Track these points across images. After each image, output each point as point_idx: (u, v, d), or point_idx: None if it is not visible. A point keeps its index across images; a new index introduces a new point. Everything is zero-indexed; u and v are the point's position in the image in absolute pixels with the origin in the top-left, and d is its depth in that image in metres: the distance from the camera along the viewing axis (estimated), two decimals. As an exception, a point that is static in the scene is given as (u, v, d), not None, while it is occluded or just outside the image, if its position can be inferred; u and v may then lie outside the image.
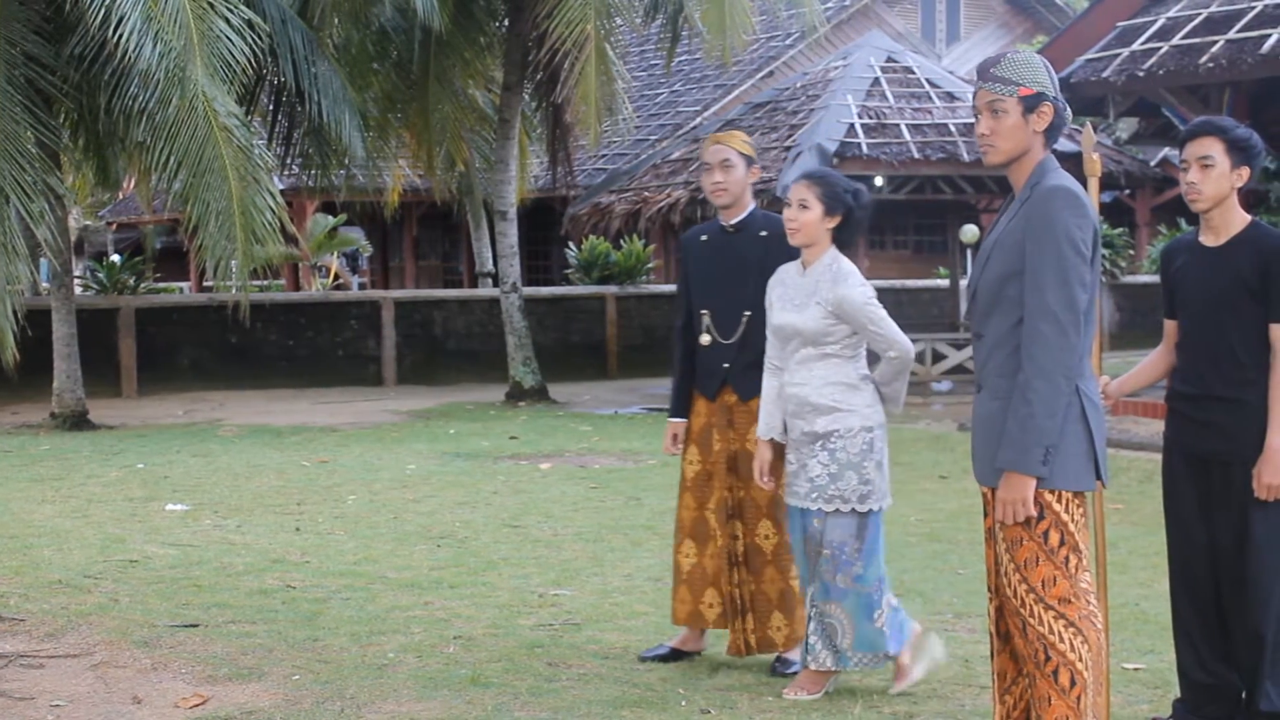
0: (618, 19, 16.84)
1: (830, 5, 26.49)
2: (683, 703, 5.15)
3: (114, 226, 32.77)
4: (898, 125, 16.51)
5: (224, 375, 19.09)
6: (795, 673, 5.45)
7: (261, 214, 12.16)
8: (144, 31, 11.47)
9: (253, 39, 12.00)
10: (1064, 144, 4.06)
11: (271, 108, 15.87)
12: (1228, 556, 4.65)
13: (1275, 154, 14.93)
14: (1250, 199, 15.80)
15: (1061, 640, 3.92)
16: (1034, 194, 3.96)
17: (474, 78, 18.66)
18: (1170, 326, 4.87)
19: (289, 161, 16.19)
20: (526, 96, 18.53)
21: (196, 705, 5.11)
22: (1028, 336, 3.89)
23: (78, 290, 20.13)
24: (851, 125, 16.36)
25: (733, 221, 5.72)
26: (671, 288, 20.66)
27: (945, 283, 23.32)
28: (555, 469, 11.47)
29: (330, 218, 25.60)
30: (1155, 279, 22.86)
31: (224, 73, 11.85)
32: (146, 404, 17.48)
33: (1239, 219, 4.68)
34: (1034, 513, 3.91)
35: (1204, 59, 12.97)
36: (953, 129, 16.52)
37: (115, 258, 24.90)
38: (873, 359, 5.38)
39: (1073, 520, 3.94)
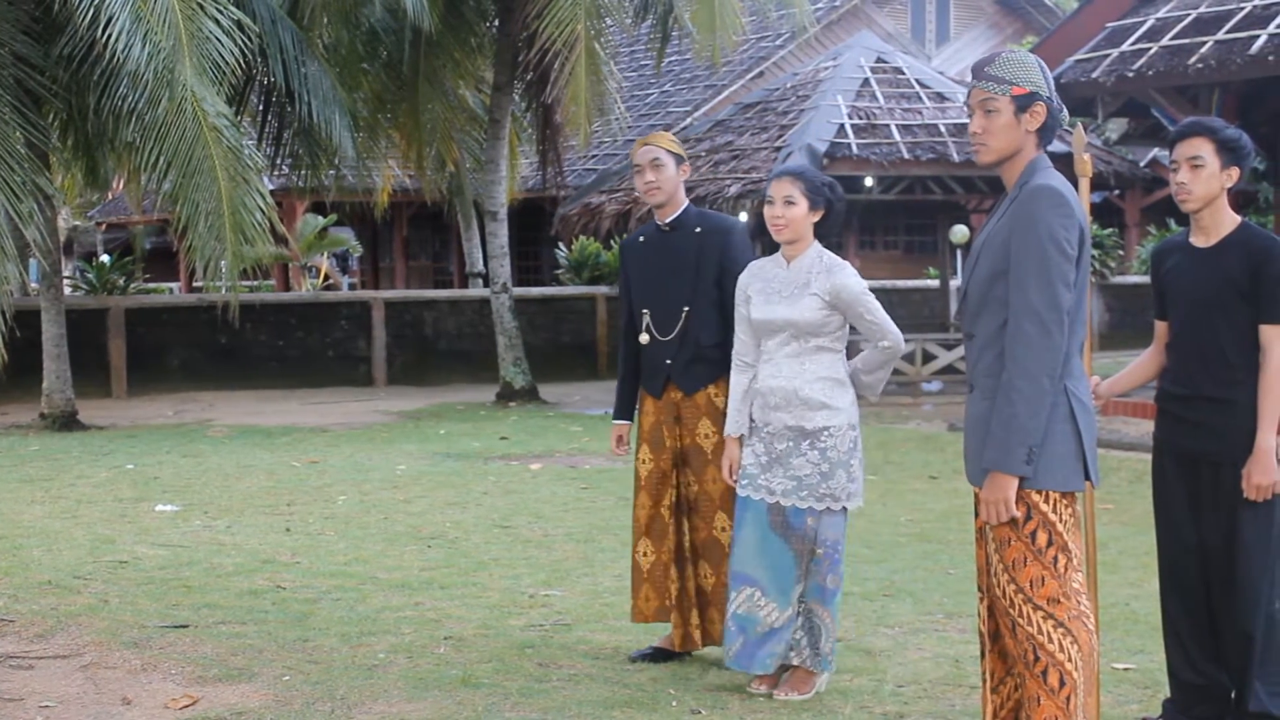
0: (608, 19, 16.83)
1: (820, 6, 26.52)
2: (673, 703, 5.15)
3: (103, 227, 32.74)
4: (888, 126, 16.52)
5: (214, 376, 19.06)
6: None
7: (251, 214, 12.15)
8: (133, 32, 11.46)
9: (242, 39, 11.99)
10: (1054, 144, 4.07)
11: (261, 108, 15.85)
12: (1217, 557, 4.66)
13: (1264, 155, 14.98)
14: (1239, 200, 15.83)
15: (1050, 640, 3.92)
16: (1021, 193, 3.97)
17: (464, 78, 18.66)
18: (1161, 327, 4.88)
19: (279, 162, 16.17)
20: (517, 97, 18.53)
21: (186, 706, 5.10)
22: (1011, 336, 3.89)
23: (67, 291, 20.08)
24: (841, 126, 16.37)
25: (668, 220, 5.78)
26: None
27: (935, 283, 23.37)
28: (546, 469, 11.47)
29: (320, 218, 25.58)
30: (1145, 279, 22.92)
31: (213, 73, 11.84)
32: (136, 404, 17.45)
33: (1229, 220, 4.69)
34: (1017, 513, 3.91)
35: (1193, 60, 13.00)
36: (943, 129, 16.53)
37: (105, 258, 24.86)
38: (851, 351, 5.41)
39: (1061, 521, 3.94)
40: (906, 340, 16.87)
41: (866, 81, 17.35)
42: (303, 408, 16.98)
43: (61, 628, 6.21)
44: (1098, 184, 16.82)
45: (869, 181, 17.38)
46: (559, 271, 25.54)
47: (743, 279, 5.44)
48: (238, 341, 19.20)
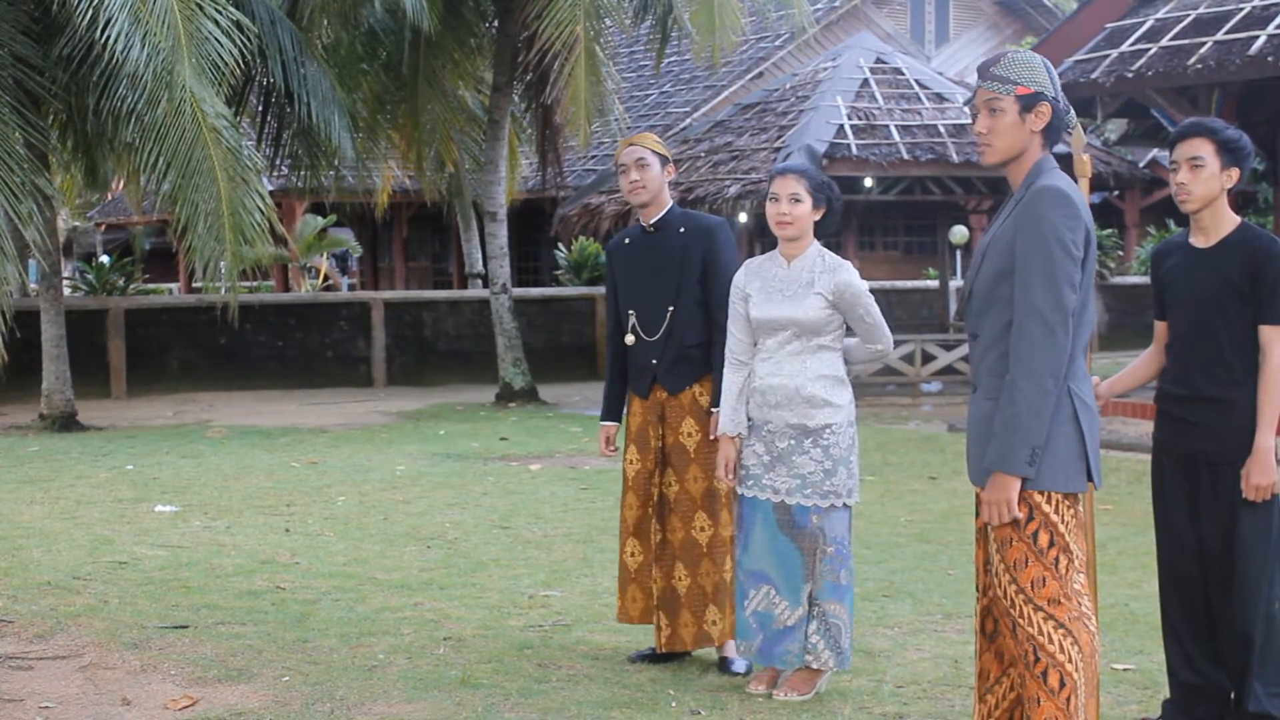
0: (607, 20, 16.83)
1: (819, 6, 26.51)
2: (673, 703, 5.15)
3: (102, 227, 32.74)
4: (887, 126, 16.52)
5: (213, 376, 19.06)
6: (741, 673, 5.51)
7: (250, 215, 12.15)
8: (132, 33, 11.46)
9: (241, 40, 11.99)
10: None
11: (260, 109, 15.85)
12: (1216, 557, 4.66)
13: (1264, 155, 14.98)
14: (1239, 200, 15.84)
15: (1051, 641, 3.92)
16: (1027, 194, 3.96)
17: (463, 79, 18.66)
18: (1160, 327, 4.88)
19: (278, 162, 16.17)
20: (516, 97, 18.53)
21: (186, 707, 5.10)
22: (1015, 336, 3.89)
23: (66, 291, 20.09)
24: (841, 126, 16.37)
25: (652, 220, 5.79)
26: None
27: (935, 284, 23.37)
28: (545, 470, 11.47)
29: (320, 219, 25.58)
30: (1144, 280, 22.94)
31: (212, 74, 11.85)
32: (136, 405, 17.45)
33: (1229, 220, 4.69)
34: (1018, 513, 3.91)
35: (1192, 60, 13.00)
36: (942, 130, 16.53)
37: (104, 259, 24.88)
38: None
39: (1063, 521, 3.94)
40: (906, 341, 17.05)
41: (866, 82, 17.35)
42: (302, 408, 16.97)
43: (61, 628, 6.21)
44: (1097, 184, 16.82)
45: (868, 182, 17.37)
46: (558, 272, 25.54)
47: (740, 277, 5.45)
48: (237, 342, 19.20)
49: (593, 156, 23.60)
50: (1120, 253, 27.62)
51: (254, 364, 19.51)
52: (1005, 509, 3.89)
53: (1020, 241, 3.91)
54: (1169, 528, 4.80)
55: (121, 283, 22.33)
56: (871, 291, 5.39)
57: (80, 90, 13.00)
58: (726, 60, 21.97)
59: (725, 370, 5.44)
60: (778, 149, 16.31)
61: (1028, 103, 3.96)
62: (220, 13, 11.82)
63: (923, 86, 17.44)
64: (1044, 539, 3.92)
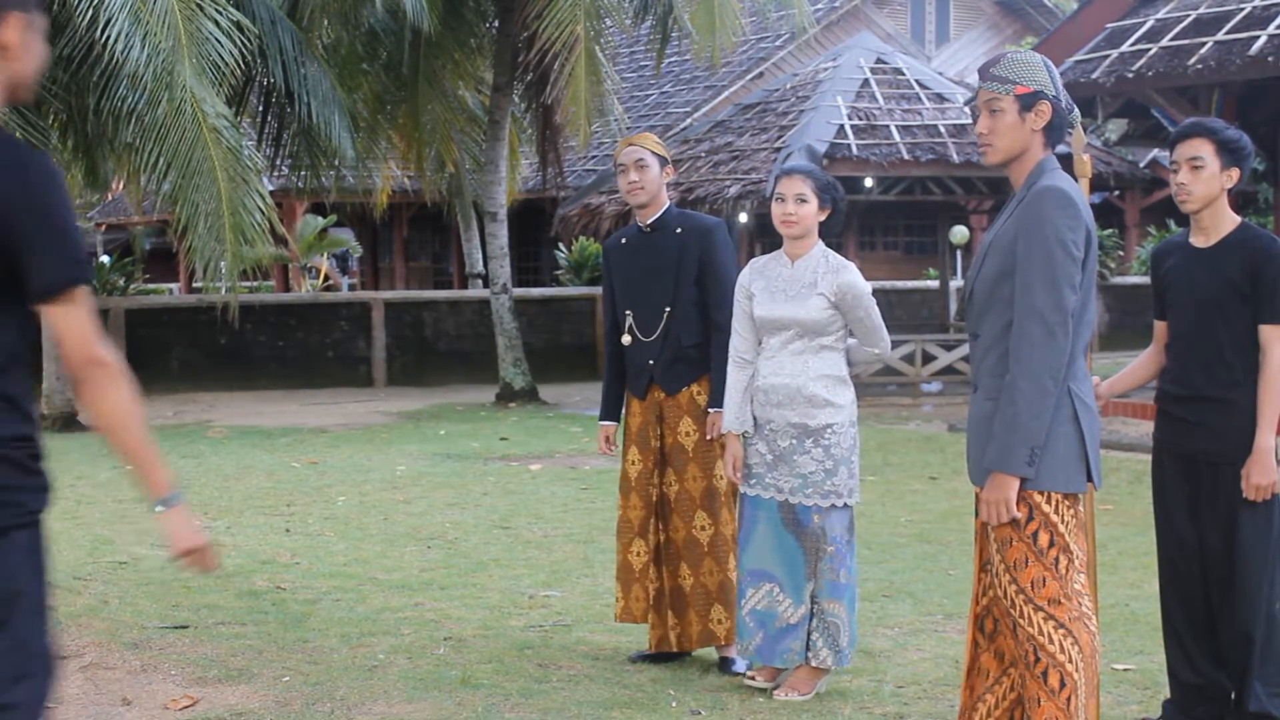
0: (607, 20, 16.83)
1: (820, 6, 26.51)
2: (673, 703, 5.15)
3: (103, 228, 32.74)
4: (887, 126, 16.52)
5: (214, 376, 19.06)
6: (743, 672, 5.51)
7: (251, 215, 12.16)
8: (132, 33, 11.47)
9: (241, 40, 12.00)
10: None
11: (261, 109, 15.85)
12: (1217, 557, 4.66)
13: (1264, 155, 14.98)
14: (1239, 200, 15.84)
15: (1051, 642, 3.92)
16: (1029, 194, 3.96)
17: (464, 79, 18.66)
18: (1160, 327, 4.88)
19: (278, 163, 16.17)
20: (516, 98, 18.52)
21: (186, 707, 5.10)
22: (1015, 337, 3.89)
23: (66, 291, 20.04)
24: (841, 126, 16.37)
25: (649, 221, 5.79)
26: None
27: (935, 284, 23.37)
28: (545, 470, 11.47)
29: (320, 219, 25.58)
30: (1145, 280, 22.93)
31: (213, 74, 11.85)
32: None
33: (1229, 220, 4.69)
34: (1018, 514, 3.91)
35: (1193, 60, 12.99)
36: (942, 130, 16.53)
37: (104, 259, 24.87)
38: None
39: (1063, 522, 3.94)
40: (906, 341, 17.05)
41: (866, 82, 17.35)
42: (302, 408, 16.98)
43: (61, 628, 6.21)
44: (1097, 185, 16.82)
45: (869, 182, 17.38)
46: (559, 272, 25.53)
47: (744, 276, 5.46)
48: (238, 342, 19.20)
49: (593, 156, 23.59)
50: (1121, 253, 27.63)
51: (254, 364, 19.51)
52: (1004, 509, 3.89)
53: (1021, 242, 3.91)
54: (1169, 528, 4.80)
55: (122, 283, 22.35)
56: (872, 292, 5.40)
57: (80, 90, 13.00)
58: (727, 60, 21.97)
59: (730, 369, 5.44)
60: (778, 149, 16.31)
61: (1027, 102, 3.96)
62: (220, 13, 11.83)
63: (923, 87, 17.44)
64: (1044, 539, 3.92)
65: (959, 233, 22.89)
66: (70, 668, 5.62)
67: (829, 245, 5.46)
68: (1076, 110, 4.14)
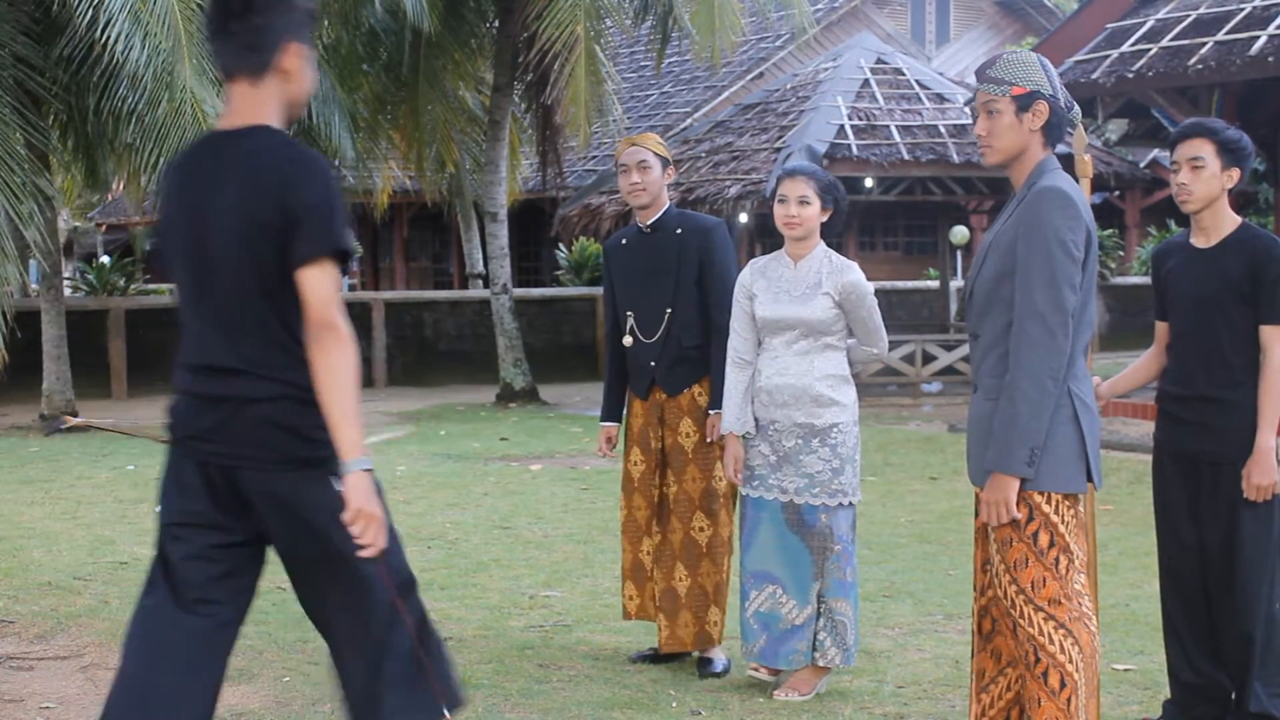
0: (607, 20, 16.84)
1: (820, 7, 26.51)
2: (673, 704, 5.15)
3: (103, 228, 32.74)
4: (887, 126, 16.52)
5: (214, 377, 19.03)
6: (720, 673, 5.52)
7: (251, 215, 12.13)
8: (132, 33, 11.47)
9: (242, 40, 11.98)
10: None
11: (261, 109, 15.83)
12: (1217, 557, 4.66)
13: (1264, 156, 14.98)
14: (1239, 200, 15.84)
15: (1051, 642, 3.92)
16: (1029, 194, 3.96)
17: (464, 79, 18.66)
18: (1161, 328, 4.88)
19: (279, 163, 16.15)
20: (516, 98, 18.52)
21: (186, 707, 5.09)
22: (1015, 337, 3.89)
23: (67, 292, 20.09)
24: (841, 126, 16.37)
25: (649, 222, 5.78)
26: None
27: (935, 284, 23.37)
28: (546, 470, 11.47)
29: (320, 219, 25.55)
30: (1145, 280, 22.93)
31: (213, 74, 11.84)
32: (136, 405, 17.45)
33: (1229, 220, 4.69)
34: (1017, 514, 3.91)
35: (1193, 61, 13.00)
36: (942, 130, 16.53)
37: (105, 259, 24.89)
38: None
39: (1063, 522, 3.94)
40: (907, 341, 17.05)
41: (866, 82, 17.35)
42: (302, 409, 16.95)
43: (62, 629, 6.21)
44: (1098, 185, 16.82)
45: (869, 182, 17.38)
46: (559, 272, 25.54)
47: (745, 276, 5.45)
48: (238, 342, 19.16)
49: (593, 157, 23.60)
50: (1121, 253, 27.64)
51: (255, 364, 19.47)
52: (1004, 509, 3.89)
53: (1021, 242, 3.91)
54: (1170, 528, 4.80)
55: (122, 283, 22.36)
56: (873, 292, 5.41)
57: (81, 91, 13.00)
58: (727, 61, 21.95)
59: (729, 369, 5.43)
60: (778, 149, 16.31)
61: (1023, 102, 3.97)
62: (221, 13, 11.81)
63: (923, 87, 17.44)
64: (1044, 539, 3.92)
65: (959, 233, 22.89)
66: (71, 668, 5.62)
67: (829, 245, 5.47)
68: (1077, 107, 4.14)
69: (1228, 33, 13.03)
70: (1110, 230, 26.78)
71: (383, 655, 3.52)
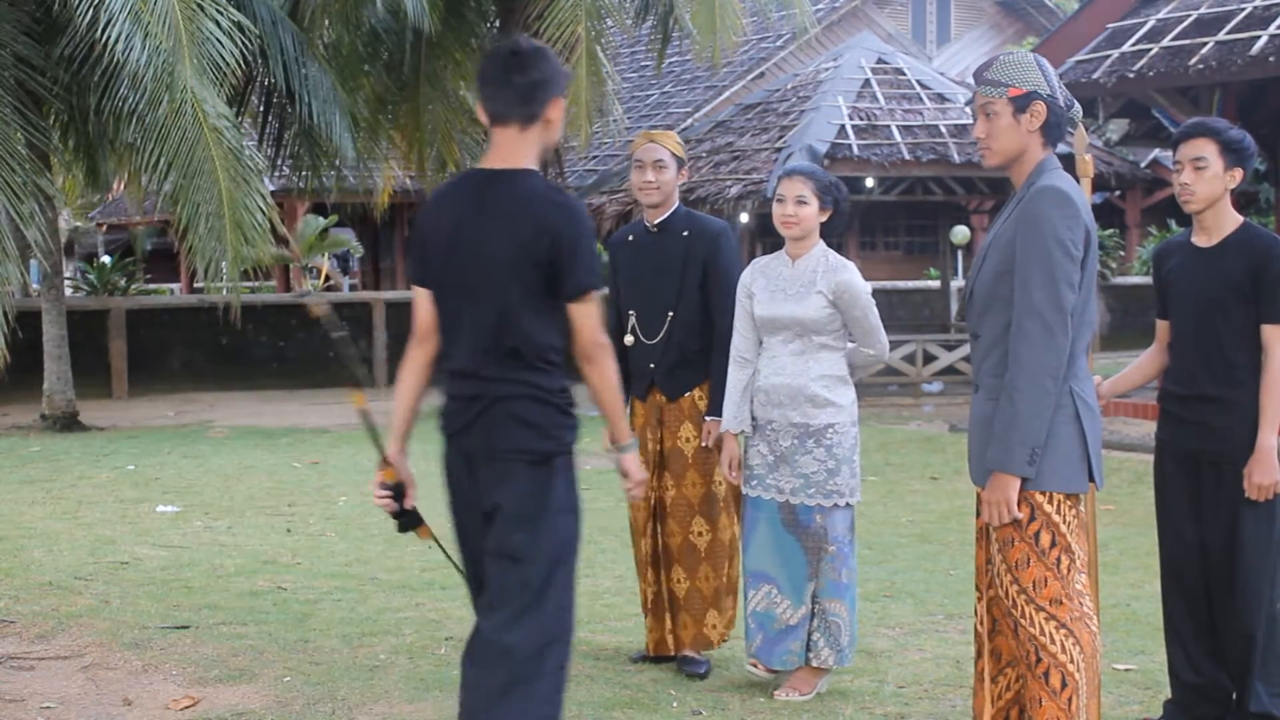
0: (608, 20, 16.82)
1: (821, 7, 26.50)
2: (674, 704, 5.15)
3: (104, 228, 32.73)
4: (888, 126, 16.53)
5: (215, 376, 19.06)
6: (704, 673, 5.52)
7: (252, 215, 12.13)
8: (133, 33, 11.44)
9: (242, 40, 11.98)
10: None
11: (262, 109, 15.84)
12: (1218, 557, 4.66)
13: (1265, 156, 14.98)
14: (1241, 200, 15.84)
15: (1053, 642, 3.92)
16: (1028, 194, 3.96)
17: (465, 79, 18.63)
18: (1162, 327, 4.88)
19: (279, 163, 16.16)
20: (518, 98, 18.47)
21: (187, 707, 5.10)
22: (1014, 336, 3.89)
23: (68, 292, 20.09)
24: (842, 126, 16.37)
25: (656, 221, 5.73)
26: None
27: (936, 284, 23.38)
28: (546, 470, 11.43)
29: (321, 219, 25.56)
30: (1146, 280, 22.93)
31: (214, 74, 11.83)
32: (137, 405, 17.45)
33: (1231, 220, 4.69)
34: (1018, 514, 3.91)
35: (1194, 60, 13.00)
36: (943, 130, 16.53)
37: (105, 259, 24.89)
38: None
39: (1064, 522, 3.93)
40: (907, 341, 17.05)
41: (867, 82, 17.35)
42: (304, 408, 16.97)
43: (62, 629, 6.21)
44: (1099, 185, 16.82)
45: (870, 182, 17.38)
46: (559, 272, 25.47)
47: (745, 276, 5.44)
48: (239, 342, 19.19)
49: (593, 157, 23.58)
50: (1122, 253, 27.63)
51: (255, 364, 19.50)
52: (1005, 509, 3.89)
53: (1020, 241, 3.91)
54: (1171, 527, 4.80)
55: (123, 283, 22.34)
56: (873, 292, 5.39)
57: (81, 91, 12.99)
58: (728, 60, 21.94)
59: (730, 368, 5.43)
60: (779, 149, 16.32)
61: (1021, 103, 3.96)
62: (221, 13, 11.81)
63: (924, 87, 17.44)
64: (1046, 539, 3.92)
65: (960, 233, 22.88)
66: (71, 668, 5.62)
67: (830, 245, 5.45)
68: (1078, 106, 4.13)
69: (1229, 32, 13.03)
70: (1111, 230, 26.77)
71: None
